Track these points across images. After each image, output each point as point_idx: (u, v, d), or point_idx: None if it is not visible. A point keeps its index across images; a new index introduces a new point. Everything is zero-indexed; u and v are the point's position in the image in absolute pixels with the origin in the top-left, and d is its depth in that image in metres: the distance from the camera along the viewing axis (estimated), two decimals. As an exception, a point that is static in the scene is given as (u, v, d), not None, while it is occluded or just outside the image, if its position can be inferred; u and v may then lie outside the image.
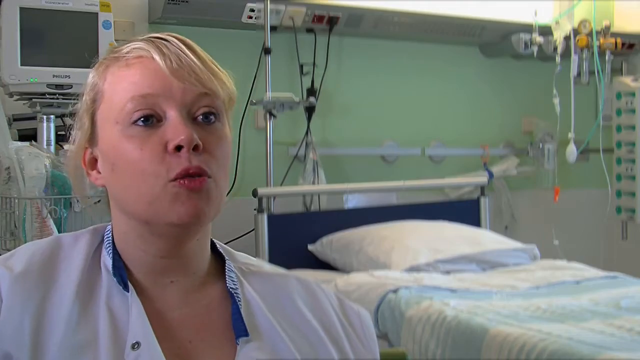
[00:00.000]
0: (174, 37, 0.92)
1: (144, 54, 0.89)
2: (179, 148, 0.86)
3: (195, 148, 0.86)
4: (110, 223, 0.96)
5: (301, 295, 0.98)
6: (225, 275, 0.95)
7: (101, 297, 0.89)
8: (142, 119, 0.87)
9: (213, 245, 0.99)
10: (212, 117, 0.90)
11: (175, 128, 0.86)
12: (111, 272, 0.90)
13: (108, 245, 0.93)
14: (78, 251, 0.92)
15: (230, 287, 0.93)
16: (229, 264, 0.97)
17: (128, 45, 0.92)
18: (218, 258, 0.98)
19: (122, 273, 0.90)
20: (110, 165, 0.90)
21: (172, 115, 0.87)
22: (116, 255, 0.92)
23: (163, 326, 0.89)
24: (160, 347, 0.86)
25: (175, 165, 0.86)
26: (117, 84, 0.89)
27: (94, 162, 0.94)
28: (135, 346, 0.85)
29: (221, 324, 0.91)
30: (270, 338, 0.91)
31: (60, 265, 0.90)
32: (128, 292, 0.89)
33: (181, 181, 0.85)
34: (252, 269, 0.99)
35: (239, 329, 0.90)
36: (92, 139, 0.93)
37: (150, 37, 0.92)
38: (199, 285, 0.94)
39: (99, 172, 0.93)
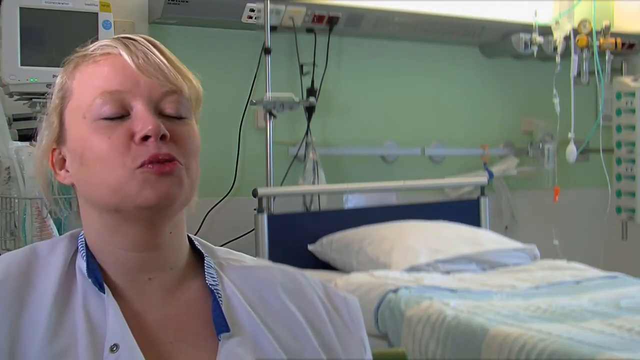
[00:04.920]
0: (141, 37, 0.93)
1: (111, 51, 0.90)
2: (146, 138, 0.86)
3: (163, 137, 0.87)
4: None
5: (285, 286, 0.97)
6: (205, 271, 0.95)
7: (77, 301, 0.87)
8: (109, 114, 0.88)
9: (191, 242, 0.98)
10: (179, 113, 0.91)
11: (142, 119, 0.87)
12: (85, 274, 0.89)
13: (82, 249, 0.92)
14: (55, 258, 0.91)
15: (210, 284, 0.93)
16: (207, 260, 0.96)
17: (95, 43, 0.93)
18: (197, 255, 0.97)
19: (97, 274, 0.89)
20: (78, 159, 0.90)
21: (139, 108, 0.88)
22: (90, 258, 0.91)
23: (142, 327, 0.88)
24: (140, 348, 0.85)
25: (142, 154, 0.86)
26: (85, 80, 0.90)
27: (62, 162, 0.94)
28: (114, 348, 0.84)
29: (202, 321, 0.91)
30: (251, 332, 0.91)
31: (37, 274, 0.89)
32: (104, 293, 0.88)
33: (149, 166, 0.86)
34: (233, 263, 0.99)
35: (220, 325, 0.90)
36: (60, 138, 0.93)
37: (118, 36, 0.93)
38: (177, 283, 0.93)
39: (67, 171, 0.93)
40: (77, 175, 0.91)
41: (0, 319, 0.84)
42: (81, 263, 0.91)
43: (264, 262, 1.03)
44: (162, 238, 0.91)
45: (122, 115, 0.88)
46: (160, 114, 0.89)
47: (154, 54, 0.90)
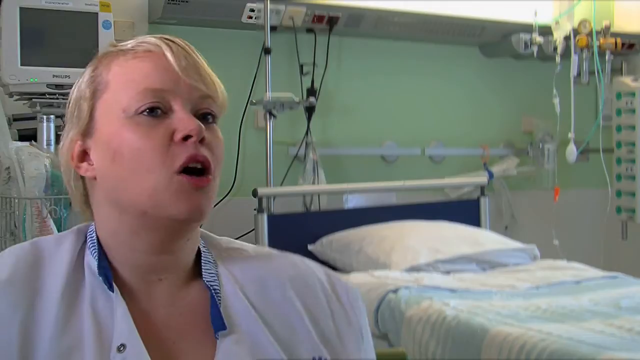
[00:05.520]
0: (177, 39, 0.94)
1: (153, 49, 0.91)
2: (186, 138, 0.87)
3: (202, 140, 0.88)
4: (92, 223, 0.94)
5: (286, 273, 0.98)
6: (202, 269, 0.95)
7: (85, 299, 0.87)
8: (149, 110, 0.88)
9: None
10: (210, 118, 0.92)
11: (184, 120, 0.88)
12: (96, 272, 0.89)
13: (92, 245, 0.92)
14: (63, 253, 0.91)
15: (207, 281, 0.93)
16: (205, 256, 0.96)
17: (133, 40, 0.93)
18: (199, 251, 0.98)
19: (108, 273, 0.89)
20: (110, 154, 0.88)
21: (179, 109, 0.89)
22: (101, 255, 0.90)
23: (148, 326, 0.88)
24: (146, 348, 0.85)
25: (180, 153, 0.87)
26: (125, 74, 0.90)
27: (82, 155, 0.92)
28: (121, 348, 0.84)
29: (202, 319, 0.91)
30: (249, 330, 0.90)
31: (46, 270, 0.89)
32: (113, 292, 0.88)
33: (186, 177, 0.87)
34: (234, 254, 0.99)
35: (217, 324, 0.90)
36: (86, 130, 0.92)
37: (155, 36, 0.93)
38: (184, 282, 0.93)
39: (90, 164, 0.92)
40: (106, 171, 0.90)
41: (11, 316, 0.84)
42: (90, 260, 0.91)
43: (266, 250, 1.03)
44: (181, 244, 0.92)
45: (161, 113, 0.88)
46: (195, 116, 0.90)
47: (191, 56, 0.91)
